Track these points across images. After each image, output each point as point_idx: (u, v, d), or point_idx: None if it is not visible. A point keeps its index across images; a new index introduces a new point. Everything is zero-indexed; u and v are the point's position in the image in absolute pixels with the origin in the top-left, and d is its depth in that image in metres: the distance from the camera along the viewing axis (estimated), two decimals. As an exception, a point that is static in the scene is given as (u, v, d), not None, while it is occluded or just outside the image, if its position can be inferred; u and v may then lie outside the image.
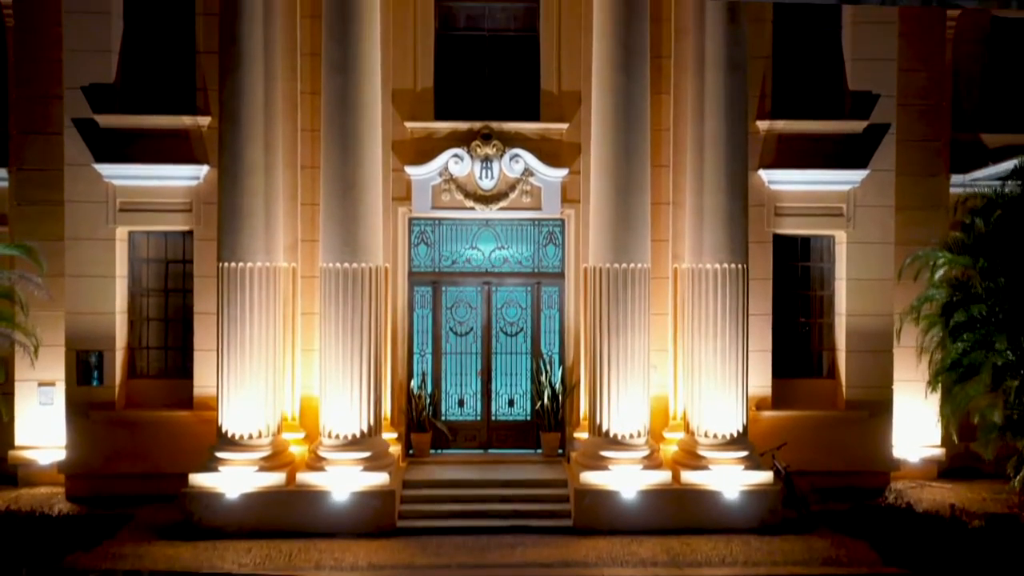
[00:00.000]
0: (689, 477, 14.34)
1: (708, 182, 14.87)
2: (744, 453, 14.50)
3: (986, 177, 17.91)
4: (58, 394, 16.33)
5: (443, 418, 16.63)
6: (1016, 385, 12.95)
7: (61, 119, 15.98)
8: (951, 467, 17.23)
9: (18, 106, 16.55)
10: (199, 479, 14.01)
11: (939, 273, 14.51)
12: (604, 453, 14.40)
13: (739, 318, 14.66)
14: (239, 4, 14.48)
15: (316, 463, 14.28)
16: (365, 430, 14.39)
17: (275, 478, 14.07)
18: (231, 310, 14.28)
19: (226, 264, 14.34)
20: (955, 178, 17.76)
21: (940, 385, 14.21)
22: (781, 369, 16.68)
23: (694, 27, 15.33)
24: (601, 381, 14.65)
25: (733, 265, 14.63)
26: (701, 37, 15.09)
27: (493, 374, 16.74)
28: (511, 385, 16.77)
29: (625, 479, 14.12)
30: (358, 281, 14.34)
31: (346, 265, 14.32)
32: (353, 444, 14.27)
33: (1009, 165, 17.46)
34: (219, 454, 14.20)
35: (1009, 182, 14.03)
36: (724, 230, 14.69)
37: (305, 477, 14.15)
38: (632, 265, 14.50)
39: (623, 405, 14.51)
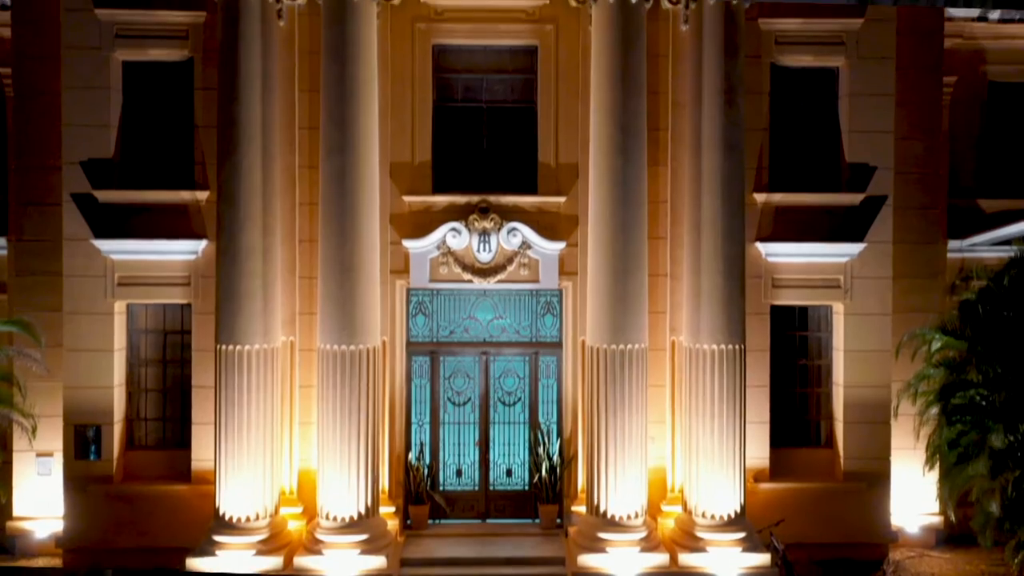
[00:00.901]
0: (687, 560, 14.35)
1: (705, 262, 14.92)
2: (742, 534, 14.51)
3: (984, 243, 17.97)
4: (56, 464, 16.34)
5: (441, 487, 16.63)
6: (1015, 477, 12.94)
7: (60, 190, 16.02)
8: (950, 535, 17.21)
9: (17, 176, 16.59)
10: (197, 563, 14.02)
11: (935, 353, 14.52)
12: (601, 535, 14.41)
13: (736, 398, 14.68)
14: (237, 85, 14.56)
15: (313, 546, 14.29)
16: (363, 511, 14.41)
17: (273, 562, 14.08)
18: (229, 392, 14.31)
19: (225, 347, 14.37)
20: (952, 243, 17.81)
21: (938, 464, 14.22)
22: (779, 438, 16.70)
23: (691, 102, 15.38)
24: (598, 460, 14.68)
25: (730, 346, 14.66)
26: (698, 114, 15.13)
27: (491, 444, 16.75)
28: (509, 455, 16.78)
29: (623, 562, 14.13)
30: (355, 363, 14.37)
31: (343, 347, 14.35)
32: (351, 526, 14.28)
33: (1008, 231, 17.58)
34: (216, 537, 14.21)
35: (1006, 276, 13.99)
36: (721, 311, 14.72)
37: (302, 561, 14.16)
38: (629, 346, 14.54)
39: (620, 485, 14.53)
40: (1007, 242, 18.10)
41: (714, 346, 14.64)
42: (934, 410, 14.28)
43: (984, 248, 18.05)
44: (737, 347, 14.68)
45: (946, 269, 17.75)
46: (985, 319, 13.93)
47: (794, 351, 17.00)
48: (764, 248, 16.17)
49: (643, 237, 14.87)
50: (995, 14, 17.67)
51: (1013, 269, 14.31)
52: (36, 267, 16.41)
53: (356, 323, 14.42)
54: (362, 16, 14.45)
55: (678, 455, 15.71)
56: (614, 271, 14.72)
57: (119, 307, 16.12)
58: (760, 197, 16.17)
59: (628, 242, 14.74)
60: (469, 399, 16.78)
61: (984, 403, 13.47)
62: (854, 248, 16.23)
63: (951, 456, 13.93)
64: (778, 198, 16.24)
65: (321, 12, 14.69)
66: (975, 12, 17.61)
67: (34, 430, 14.63)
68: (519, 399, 16.79)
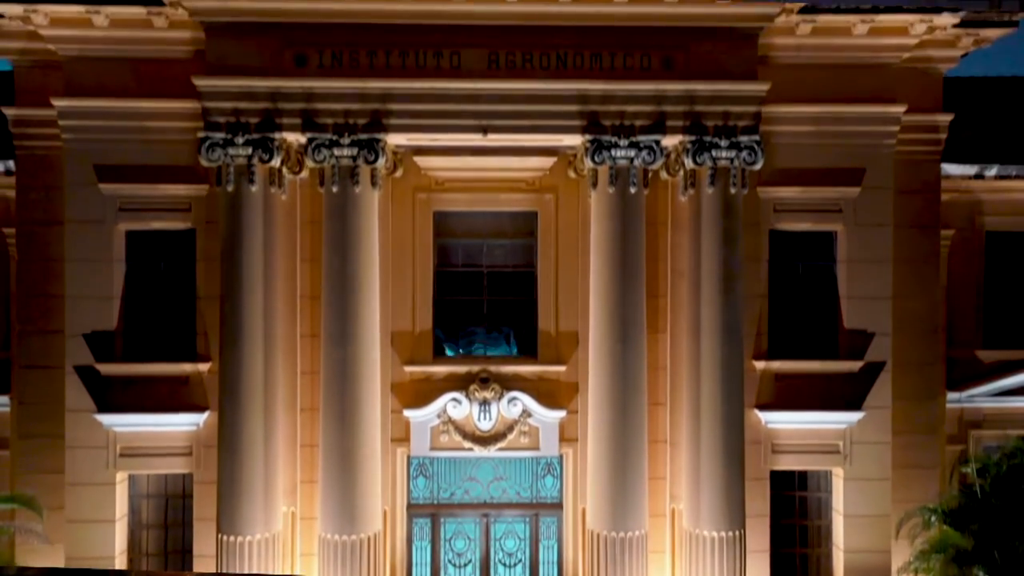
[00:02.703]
0: None
1: (705, 436, 15.01)
2: None
3: (983, 394, 18.09)
4: (58, 629, 16.34)
5: (443, 650, 16.66)
6: None
7: (63, 353, 16.08)
8: None
9: (21, 340, 16.68)
10: None
11: (935, 536, 14.61)
12: None
13: (737, 578, 14.76)
14: (239, 260, 14.69)
15: None
16: None
17: None
18: (230, 581, 14.35)
19: (225, 537, 14.44)
20: (952, 395, 17.90)
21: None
22: (779, 599, 16.73)
23: (690, 271, 15.49)
24: (599, 642, 14.71)
25: (731, 533, 14.73)
26: (696, 298, 15.22)
27: (492, 607, 16.78)
28: (510, 618, 16.82)
29: None
30: (356, 551, 14.46)
31: (344, 537, 14.44)
32: None
33: (1007, 382, 17.66)
34: None
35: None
36: (721, 493, 14.79)
37: None
38: (630, 534, 14.62)
39: (622, 671, 14.56)
40: (1007, 392, 18.27)
41: (715, 533, 14.70)
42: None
43: (983, 399, 18.16)
44: (737, 533, 14.75)
45: (945, 420, 17.83)
46: (988, 511, 13.99)
47: (793, 512, 17.03)
48: (764, 416, 16.22)
49: (643, 413, 15.01)
50: (992, 170, 17.81)
51: (1015, 459, 14.39)
52: (38, 431, 16.46)
53: (356, 511, 14.51)
54: (363, 210, 14.60)
55: (679, 629, 15.75)
56: (614, 446, 14.86)
57: (121, 476, 16.17)
58: (759, 364, 16.24)
59: (628, 417, 14.89)
60: (470, 561, 16.81)
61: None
62: (853, 416, 16.28)
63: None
64: (777, 365, 16.31)
65: (323, 200, 14.80)
66: (973, 170, 17.75)
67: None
68: (520, 560, 16.82)
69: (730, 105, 14.49)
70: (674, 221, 16.07)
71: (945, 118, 16.83)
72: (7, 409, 16.95)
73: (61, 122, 15.72)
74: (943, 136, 16.97)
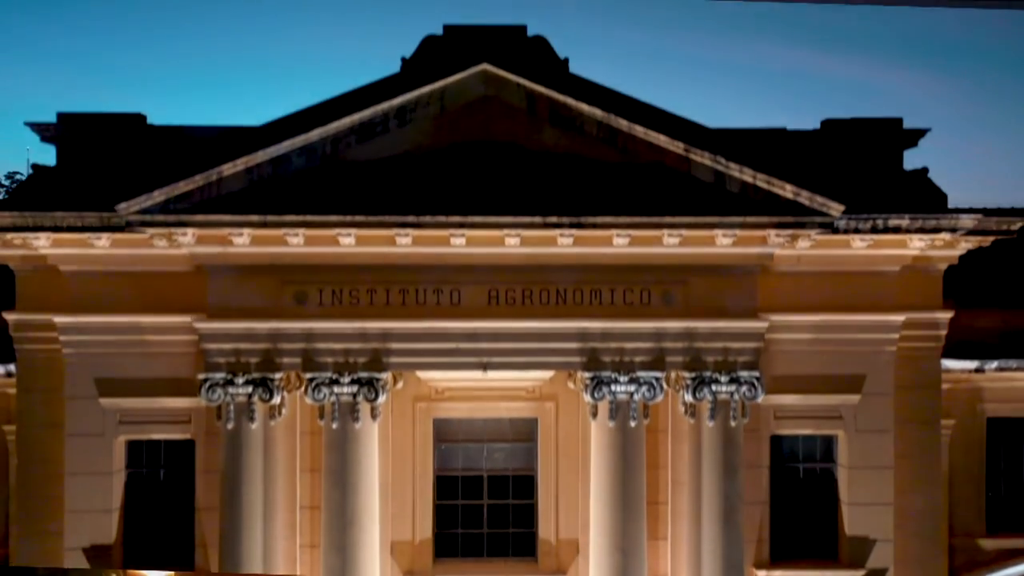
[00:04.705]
0: None
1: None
2: None
3: (985, 584, 17.97)
4: None
5: None
6: None
7: (61, 558, 16.01)
8: None
9: (20, 541, 16.62)
10: None
11: None
12: None
13: None
14: (239, 477, 14.68)
15: None
16: None
17: None
18: None
19: None
20: (954, 587, 17.81)
21: None
22: None
23: (690, 480, 15.45)
24: None
25: None
26: (697, 508, 15.19)
27: None
28: None
29: None
30: None
31: None
32: None
33: (1008, 572, 17.55)
34: None
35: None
36: None
37: None
38: None
39: None
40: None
41: None
42: None
43: (986, 590, 18.07)
44: None
45: (948, 612, 17.75)
46: None
47: None
48: (766, 627, 16.16)
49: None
50: (992, 364, 17.79)
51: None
52: (37, 635, 16.40)
53: None
54: (363, 444, 14.59)
55: None
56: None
57: None
58: (761, 573, 16.17)
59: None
60: None
61: None
62: (857, 633, 16.20)
63: None
64: (778, 574, 16.24)
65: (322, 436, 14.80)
66: (973, 364, 17.73)
67: None
68: None
69: (730, 342, 14.49)
70: (675, 430, 16.02)
71: (945, 315, 16.82)
72: (7, 611, 16.87)
73: (62, 337, 15.73)
74: (943, 333, 16.94)
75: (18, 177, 62.46)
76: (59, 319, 15.62)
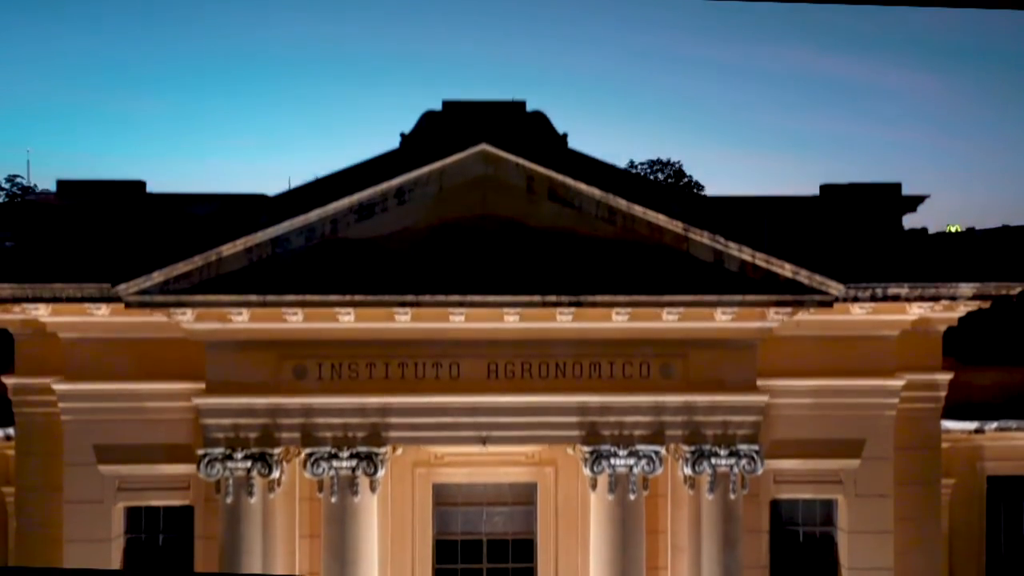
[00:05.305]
0: None
1: None
2: None
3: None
4: None
5: None
6: None
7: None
8: None
9: (19, 605, 16.63)
10: None
11: None
12: None
13: None
14: (238, 547, 14.59)
15: None
16: None
17: None
18: None
19: None
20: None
21: None
22: None
23: (690, 547, 15.44)
24: None
25: None
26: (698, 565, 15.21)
27: None
28: None
29: None
30: None
31: None
32: None
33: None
34: None
35: None
36: None
37: None
38: None
39: None
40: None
41: None
42: None
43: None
44: None
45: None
46: None
47: None
48: None
49: None
50: (992, 425, 17.78)
51: None
52: None
53: None
54: (362, 518, 14.57)
55: None
56: None
57: None
58: (760, 645, 16.19)
59: None
60: None
61: None
62: None
63: None
64: (779, 643, 16.26)
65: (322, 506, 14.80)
66: (973, 425, 17.73)
67: None
68: None
69: (729, 415, 14.49)
70: (674, 496, 16.03)
71: (945, 377, 16.80)
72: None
73: (61, 404, 15.72)
74: (943, 394, 16.93)
75: (19, 180, 60.29)
76: (58, 386, 15.61)
